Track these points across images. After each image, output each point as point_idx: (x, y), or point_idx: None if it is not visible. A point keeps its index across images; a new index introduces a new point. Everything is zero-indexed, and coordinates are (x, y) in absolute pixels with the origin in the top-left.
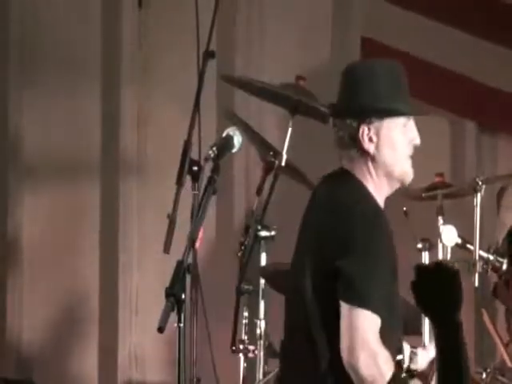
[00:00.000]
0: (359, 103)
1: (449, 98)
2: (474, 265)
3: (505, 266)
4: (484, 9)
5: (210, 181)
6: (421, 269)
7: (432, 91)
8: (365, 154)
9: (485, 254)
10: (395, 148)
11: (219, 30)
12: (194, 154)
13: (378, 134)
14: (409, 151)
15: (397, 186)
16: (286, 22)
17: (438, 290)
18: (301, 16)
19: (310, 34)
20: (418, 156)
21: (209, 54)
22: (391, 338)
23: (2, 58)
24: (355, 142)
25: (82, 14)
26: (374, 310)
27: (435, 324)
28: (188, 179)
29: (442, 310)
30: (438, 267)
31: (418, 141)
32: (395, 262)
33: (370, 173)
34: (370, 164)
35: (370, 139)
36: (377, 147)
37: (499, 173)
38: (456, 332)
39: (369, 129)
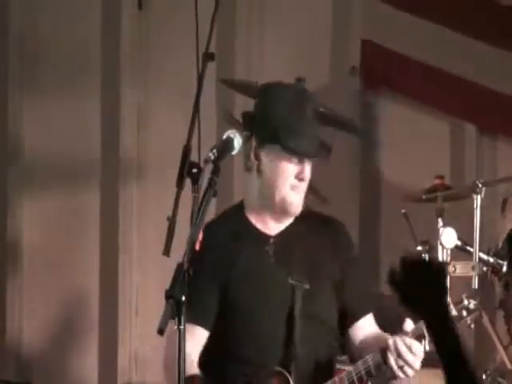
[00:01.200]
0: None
1: (449, 101)
2: (474, 267)
3: (505, 269)
4: (484, 11)
5: (210, 183)
6: (406, 262)
7: (432, 94)
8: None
9: (485, 256)
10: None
11: (219, 31)
12: (193, 157)
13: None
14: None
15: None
16: (286, 24)
17: (424, 282)
18: (301, 18)
19: (310, 36)
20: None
21: (208, 56)
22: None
23: (1, 58)
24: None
25: (82, 14)
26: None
27: (425, 316)
28: (188, 181)
29: (431, 301)
30: (423, 260)
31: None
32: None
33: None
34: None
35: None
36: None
37: (499, 175)
38: (447, 321)
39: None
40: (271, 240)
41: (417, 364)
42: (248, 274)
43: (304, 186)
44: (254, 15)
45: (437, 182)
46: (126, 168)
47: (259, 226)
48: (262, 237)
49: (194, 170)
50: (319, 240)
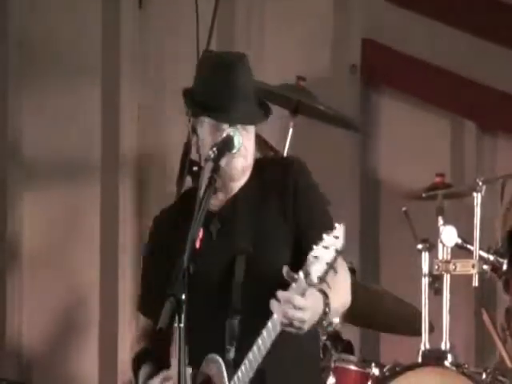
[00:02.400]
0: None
1: (449, 99)
2: (474, 265)
3: (505, 267)
4: (485, 9)
5: (210, 181)
6: None
7: (432, 92)
8: None
9: (485, 255)
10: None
11: (219, 30)
12: (193, 155)
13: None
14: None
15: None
16: (286, 22)
17: None
18: (301, 17)
19: (311, 34)
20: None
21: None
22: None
23: (1, 57)
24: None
25: (82, 13)
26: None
27: None
28: (188, 179)
29: None
30: None
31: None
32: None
33: None
34: None
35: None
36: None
37: (499, 173)
38: None
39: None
40: (214, 218)
41: (304, 315)
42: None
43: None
44: (254, 14)
45: (437, 179)
46: (126, 166)
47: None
48: (207, 216)
49: (195, 168)
50: (263, 193)
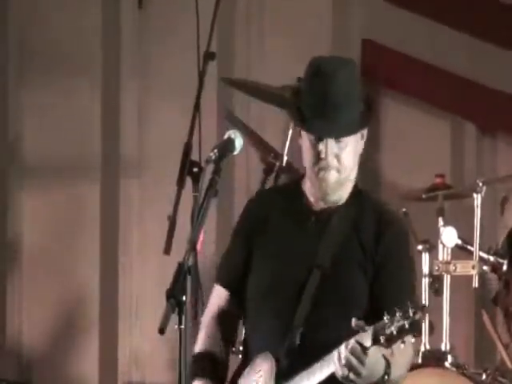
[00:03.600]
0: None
1: (449, 100)
2: (474, 266)
3: (505, 267)
4: (485, 10)
5: (211, 183)
6: None
7: (432, 93)
8: None
9: (485, 255)
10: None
11: (219, 31)
12: (194, 156)
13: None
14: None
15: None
16: (286, 23)
17: None
18: (301, 18)
19: (311, 35)
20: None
21: (209, 56)
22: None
23: (1, 58)
24: None
25: (82, 14)
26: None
27: None
28: (189, 180)
29: None
30: None
31: (322, 155)
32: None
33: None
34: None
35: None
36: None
37: (499, 174)
38: None
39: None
40: (313, 217)
41: (361, 370)
42: (276, 246)
43: (330, 163)
44: (254, 14)
45: (437, 180)
46: (127, 167)
47: (311, 198)
48: (306, 211)
49: (195, 169)
50: (363, 227)
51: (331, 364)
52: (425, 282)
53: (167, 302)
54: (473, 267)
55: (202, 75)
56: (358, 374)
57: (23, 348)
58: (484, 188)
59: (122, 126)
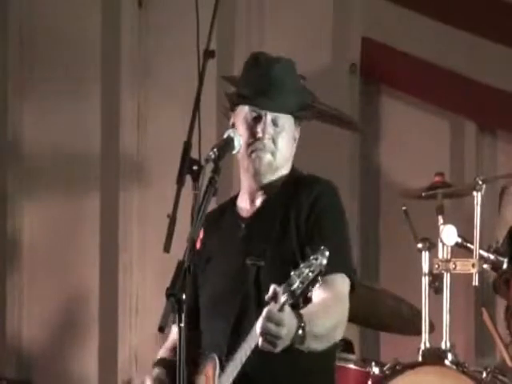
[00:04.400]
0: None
1: (449, 98)
2: (474, 264)
3: (505, 265)
4: (484, 7)
5: (211, 181)
6: None
7: (432, 91)
8: None
9: (485, 254)
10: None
11: (219, 29)
12: (194, 154)
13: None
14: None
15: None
16: (285, 21)
17: None
18: (301, 16)
19: (310, 33)
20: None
21: (209, 54)
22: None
23: (1, 58)
24: None
25: (82, 12)
26: None
27: None
28: (188, 179)
29: None
30: None
31: (259, 135)
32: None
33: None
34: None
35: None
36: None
37: (499, 172)
38: None
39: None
40: (243, 224)
41: (281, 331)
42: (216, 264)
43: (266, 144)
44: (254, 12)
45: (437, 179)
46: (126, 166)
47: (242, 205)
48: (238, 221)
49: (195, 167)
50: (286, 210)
51: (255, 336)
52: (425, 280)
53: (167, 300)
54: (473, 265)
55: (201, 73)
56: (278, 336)
57: (23, 346)
58: (484, 186)
59: (122, 125)
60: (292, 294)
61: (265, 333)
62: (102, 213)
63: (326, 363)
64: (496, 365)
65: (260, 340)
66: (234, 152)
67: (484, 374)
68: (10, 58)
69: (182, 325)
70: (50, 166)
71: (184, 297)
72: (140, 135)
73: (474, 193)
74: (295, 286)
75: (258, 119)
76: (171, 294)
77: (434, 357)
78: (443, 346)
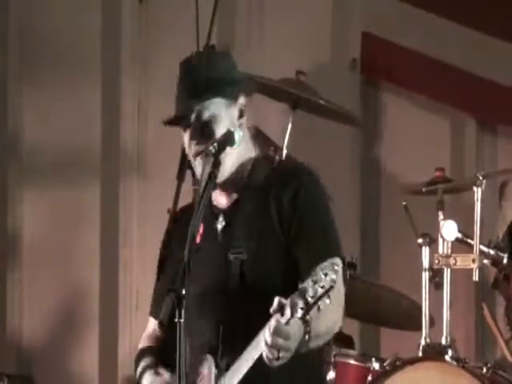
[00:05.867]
0: None
1: (449, 93)
2: (475, 259)
3: (505, 261)
4: (485, 2)
5: (211, 176)
6: None
7: (432, 86)
8: None
9: (485, 249)
10: None
11: (219, 25)
12: None
13: None
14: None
15: None
16: (285, 16)
17: None
18: (301, 11)
19: (310, 28)
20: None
21: (209, 49)
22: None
23: (1, 53)
24: None
25: (82, 8)
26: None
27: None
28: (188, 174)
29: None
30: None
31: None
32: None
33: None
34: None
35: None
36: None
37: (499, 167)
38: None
39: None
40: (221, 216)
41: (290, 345)
42: (196, 260)
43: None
44: (254, 8)
45: (437, 174)
46: (126, 162)
47: (216, 196)
48: (214, 213)
49: None
50: (267, 197)
51: (258, 347)
52: (425, 275)
53: (167, 296)
54: (473, 261)
55: None
56: (288, 350)
57: (23, 342)
58: (484, 181)
59: (122, 121)
60: (301, 308)
61: (274, 347)
62: (102, 209)
63: (317, 355)
64: (496, 360)
65: (266, 352)
66: (234, 146)
67: (484, 370)
68: (10, 52)
69: (182, 320)
70: (49, 163)
71: (184, 292)
72: (140, 129)
73: (475, 188)
74: (304, 300)
75: (185, 130)
76: (171, 289)
77: (434, 352)
78: (443, 342)
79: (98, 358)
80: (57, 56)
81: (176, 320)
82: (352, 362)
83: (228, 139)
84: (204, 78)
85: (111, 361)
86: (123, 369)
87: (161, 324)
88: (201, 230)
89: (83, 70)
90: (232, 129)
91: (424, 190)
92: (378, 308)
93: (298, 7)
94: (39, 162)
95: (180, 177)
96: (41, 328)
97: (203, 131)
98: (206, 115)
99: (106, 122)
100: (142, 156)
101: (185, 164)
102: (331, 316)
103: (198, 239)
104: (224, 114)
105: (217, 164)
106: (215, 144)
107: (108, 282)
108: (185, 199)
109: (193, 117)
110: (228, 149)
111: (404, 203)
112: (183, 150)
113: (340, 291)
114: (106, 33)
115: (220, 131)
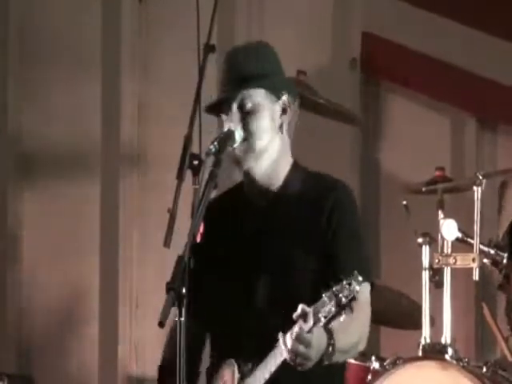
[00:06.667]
0: None
1: (449, 92)
2: (475, 259)
3: (505, 260)
4: (485, 2)
5: (211, 175)
6: None
7: (432, 85)
8: None
9: (485, 248)
10: None
11: (219, 24)
12: (194, 149)
13: None
14: None
15: None
16: (286, 16)
17: None
18: (301, 10)
19: (311, 28)
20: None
21: (209, 48)
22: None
23: (1, 51)
24: None
25: (82, 8)
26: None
27: None
28: (189, 173)
29: None
30: None
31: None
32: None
33: None
34: None
35: None
36: None
37: (499, 167)
38: None
39: None
40: (256, 215)
41: (310, 353)
42: (228, 255)
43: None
44: (255, 7)
45: (437, 173)
46: (127, 160)
47: (251, 196)
48: (250, 211)
49: (195, 162)
50: (305, 208)
51: (281, 354)
52: (425, 274)
53: (167, 295)
54: (473, 260)
55: (202, 67)
56: (307, 358)
57: (23, 340)
58: (484, 181)
59: (123, 119)
60: (324, 317)
61: (294, 354)
62: (103, 208)
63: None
64: (496, 359)
65: (287, 358)
66: (234, 145)
67: (484, 369)
68: (9, 52)
69: (182, 319)
70: (50, 161)
71: (184, 291)
72: (140, 127)
73: (475, 187)
74: (327, 309)
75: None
76: (171, 288)
77: (434, 351)
78: (443, 341)
79: (98, 357)
80: (57, 56)
81: (177, 319)
82: (352, 361)
83: (229, 138)
84: (250, 68)
85: (111, 359)
86: (123, 367)
87: (160, 324)
88: (201, 229)
89: (83, 70)
90: (232, 128)
91: (424, 189)
92: (378, 307)
93: (298, 7)
94: (39, 161)
95: (180, 176)
96: (41, 327)
97: (244, 119)
98: (249, 104)
99: (105, 121)
100: (141, 155)
101: (185, 163)
102: (356, 331)
103: (198, 238)
104: (267, 106)
105: (217, 163)
106: (216, 143)
107: (108, 280)
108: (185, 199)
109: (235, 104)
110: (270, 149)
111: (404, 202)
112: (183, 148)
113: (364, 310)
114: (106, 32)
115: (261, 122)
